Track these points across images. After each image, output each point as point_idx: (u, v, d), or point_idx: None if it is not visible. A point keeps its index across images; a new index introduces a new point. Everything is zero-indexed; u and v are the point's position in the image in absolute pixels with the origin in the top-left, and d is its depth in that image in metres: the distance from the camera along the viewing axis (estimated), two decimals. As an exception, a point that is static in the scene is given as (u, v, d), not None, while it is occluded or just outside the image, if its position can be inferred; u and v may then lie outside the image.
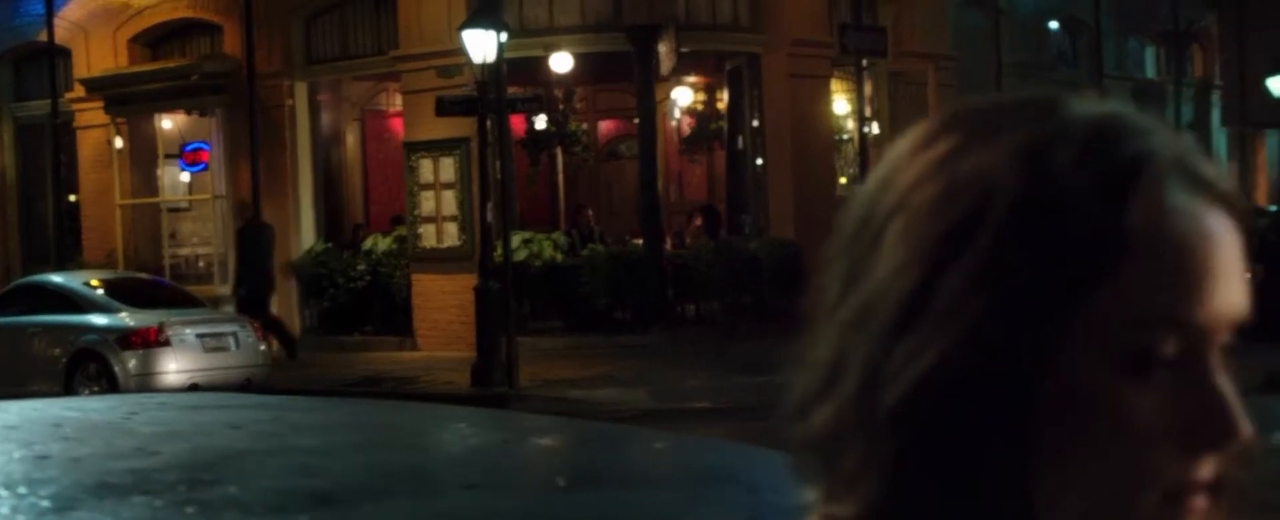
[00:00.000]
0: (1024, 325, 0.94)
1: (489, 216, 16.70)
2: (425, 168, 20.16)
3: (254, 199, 20.26)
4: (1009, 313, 0.94)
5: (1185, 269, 0.97)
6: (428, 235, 20.30)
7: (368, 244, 21.16)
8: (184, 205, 23.52)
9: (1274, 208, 25.56)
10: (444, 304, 19.26)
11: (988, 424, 0.94)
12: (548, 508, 1.67)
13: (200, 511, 1.70)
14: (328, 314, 20.94)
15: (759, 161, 21.15)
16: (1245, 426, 0.98)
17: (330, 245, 21.49)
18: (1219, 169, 1.01)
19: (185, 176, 23.30)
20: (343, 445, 2.04)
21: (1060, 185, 0.95)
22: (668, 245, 20.55)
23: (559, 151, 23.48)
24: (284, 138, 21.25)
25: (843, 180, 21.92)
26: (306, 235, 21.50)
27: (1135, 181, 0.96)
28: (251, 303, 18.65)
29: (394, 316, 20.35)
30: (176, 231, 23.46)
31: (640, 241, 19.97)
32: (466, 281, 17.53)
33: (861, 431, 0.97)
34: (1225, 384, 0.98)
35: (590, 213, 21.66)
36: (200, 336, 16.13)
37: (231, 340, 16.39)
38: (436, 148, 19.92)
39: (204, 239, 22.99)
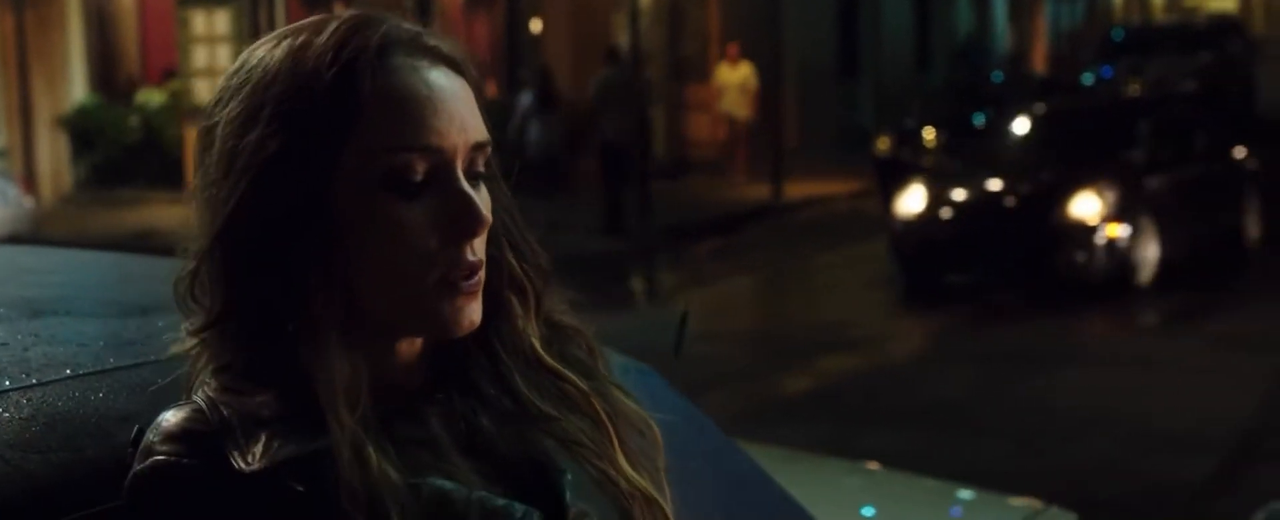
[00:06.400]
0: (300, 166, 1.31)
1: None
2: (199, 21, 19.83)
3: (19, 50, 19.73)
4: (288, 158, 1.31)
5: (411, 110, 1.33)
6: (202, 90, 20.00)
7: (140, 98, 20.80)
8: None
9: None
10: (218, 159, 18.98)
11: (288, 237, 1.31)
12: (104, 329, 1.93)
13: None
14: (100, 168, 20.62)
15: (535, 23, 21.19)
16: (487, 217, 1.35)
17: (102, 98, 21.08)
18: (452, 42, 1.40)
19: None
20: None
21: (310, 70, 1.32)
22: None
23: (337, 8, 23.21)
24: (51, -14, 20.66)
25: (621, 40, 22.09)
26: (77, 88, 21.04)
27: (361, 58, 1.32)
28: None
29: (169, 171, 20.07)
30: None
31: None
32: (239, 137, 17.37)
33: (208, 252, 1.34)
34: (469, 189, 1.35)
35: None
36: (-41, 191, 15.88)
37: (-7, 194, 16.14)
38: (210, 1, 19.62)
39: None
